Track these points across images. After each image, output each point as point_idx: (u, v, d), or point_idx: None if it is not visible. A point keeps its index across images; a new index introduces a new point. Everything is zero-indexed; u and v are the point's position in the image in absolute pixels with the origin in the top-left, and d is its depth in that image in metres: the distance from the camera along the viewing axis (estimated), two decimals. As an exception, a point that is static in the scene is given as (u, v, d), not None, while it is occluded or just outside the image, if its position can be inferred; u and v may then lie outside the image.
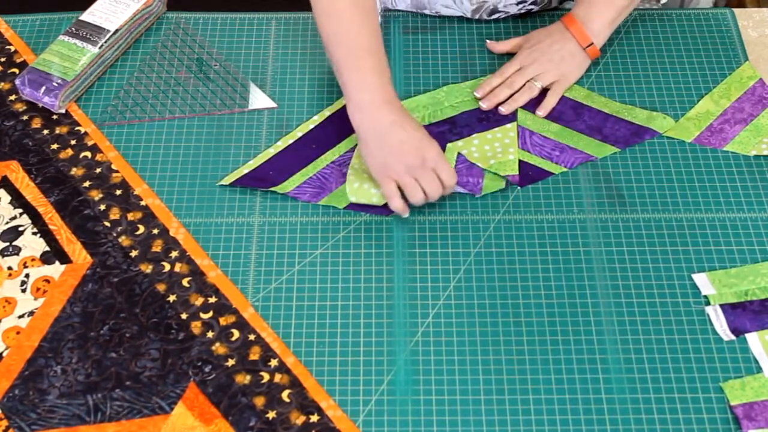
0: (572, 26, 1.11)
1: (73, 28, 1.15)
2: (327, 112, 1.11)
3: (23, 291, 0.97)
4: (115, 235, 1.01)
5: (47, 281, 0.98)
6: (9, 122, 1.12)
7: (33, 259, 0.99)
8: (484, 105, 1.11)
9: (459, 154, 1.06)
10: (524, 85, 1.11)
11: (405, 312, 0.95)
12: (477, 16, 1.19)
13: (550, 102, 1.11)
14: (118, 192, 1.05)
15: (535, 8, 1.20)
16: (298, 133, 1.10)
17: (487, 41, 1.17)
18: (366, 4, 1.02)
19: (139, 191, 1.05)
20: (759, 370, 0.90)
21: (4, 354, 0.93)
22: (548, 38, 1.12)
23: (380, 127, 0.98)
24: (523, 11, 1.20)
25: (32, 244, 1.01)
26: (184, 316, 0.95)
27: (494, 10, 1.18)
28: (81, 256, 0.99)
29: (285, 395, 0.89)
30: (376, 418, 0.88)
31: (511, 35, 1.19)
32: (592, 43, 1.11)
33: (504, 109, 1.10)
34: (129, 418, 0.88)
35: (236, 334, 0.94)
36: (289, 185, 1.05)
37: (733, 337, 0.92)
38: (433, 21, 1.21)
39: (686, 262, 0.98)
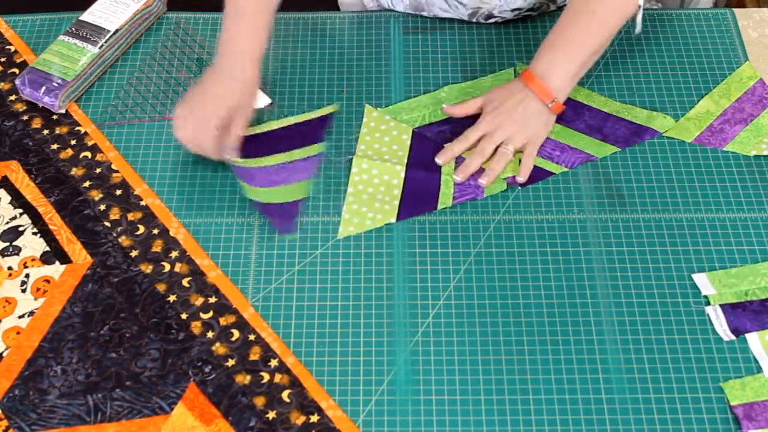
0: (531, 83, 1.05)
1: (73, 28, 1.15)
2: (314, 115, 1.11)
3: (23, 291, 0.97)
4: (115, 235, 1.01)
5: (47, 281, 0.98)
6: (9, 122, 1.12)
7: (33, 259, 0.99)
8: (458, 177, 1.04)
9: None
10: (496, 150, 1.06)
11: (405, 312, 0.95)
12: (474, 20, 1.19)
13: (527, 166, 1.05)
14: (118, 192, 1.05)
15: (533, 14, 1.20)
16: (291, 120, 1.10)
17: (443, 105, 1.11)
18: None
19: (139, 191, 1.05)
20: (759, 370, 0.90)
21: (4, 354, 0.93)
22: (510, 98, 1.06)
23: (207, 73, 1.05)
24: (519, 17, 1.19)
25: (32, 244, 1.01)
26: (184, 316, 0.95)
27: (490, 15, 1.18)
28: (81, 256, 0.99)
29: (285, 395, 0.89)
30: (376, 418, 0.88)
31: (510, 38, 1.18)
32: (555, 99, 1.05)
33: (484, 181, 1.04)
34: (129, 418, 0.88)
35: (236, 334, 0.94)
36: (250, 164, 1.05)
37: (733, 337, 0.92)
38: (433, 22, 1.21)
39: (686, 262, 0.98)
